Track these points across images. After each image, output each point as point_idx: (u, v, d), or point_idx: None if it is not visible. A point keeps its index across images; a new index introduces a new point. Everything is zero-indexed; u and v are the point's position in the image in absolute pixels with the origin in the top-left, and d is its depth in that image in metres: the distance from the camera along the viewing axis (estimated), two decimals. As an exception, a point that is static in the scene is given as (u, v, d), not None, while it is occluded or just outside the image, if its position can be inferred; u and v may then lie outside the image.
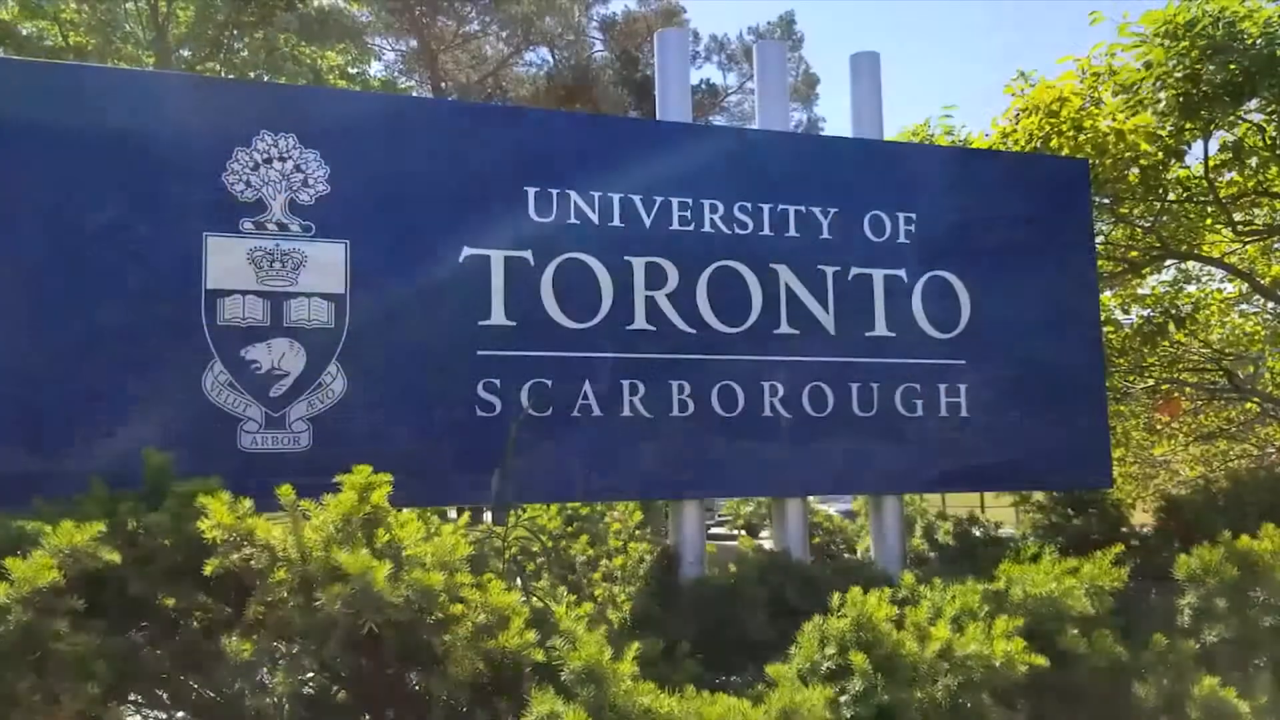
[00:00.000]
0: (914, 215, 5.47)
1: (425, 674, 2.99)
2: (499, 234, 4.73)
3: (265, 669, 3.22)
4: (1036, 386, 5.57)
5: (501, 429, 4.54)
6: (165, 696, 3.37)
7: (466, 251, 4.67)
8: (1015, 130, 6.70)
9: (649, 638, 3.47)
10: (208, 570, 2.96)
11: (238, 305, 4.30)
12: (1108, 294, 7.94)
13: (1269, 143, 6.36)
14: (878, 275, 5.36)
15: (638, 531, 5.39)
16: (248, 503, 3.08)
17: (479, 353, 4.63)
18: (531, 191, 4.82)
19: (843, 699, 3.14)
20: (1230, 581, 3.91)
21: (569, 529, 5.44)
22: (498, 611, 3.01)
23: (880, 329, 5.32)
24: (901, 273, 5.40)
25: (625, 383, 4.84)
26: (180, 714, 3.45)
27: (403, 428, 4.46)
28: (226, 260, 4.30)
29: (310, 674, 3.31)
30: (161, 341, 4.18)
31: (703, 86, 34.07)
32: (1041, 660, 3.24)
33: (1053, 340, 5.65)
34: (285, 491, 3.02)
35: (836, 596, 3.43)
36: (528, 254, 4.76)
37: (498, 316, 4.67)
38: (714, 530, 19.27)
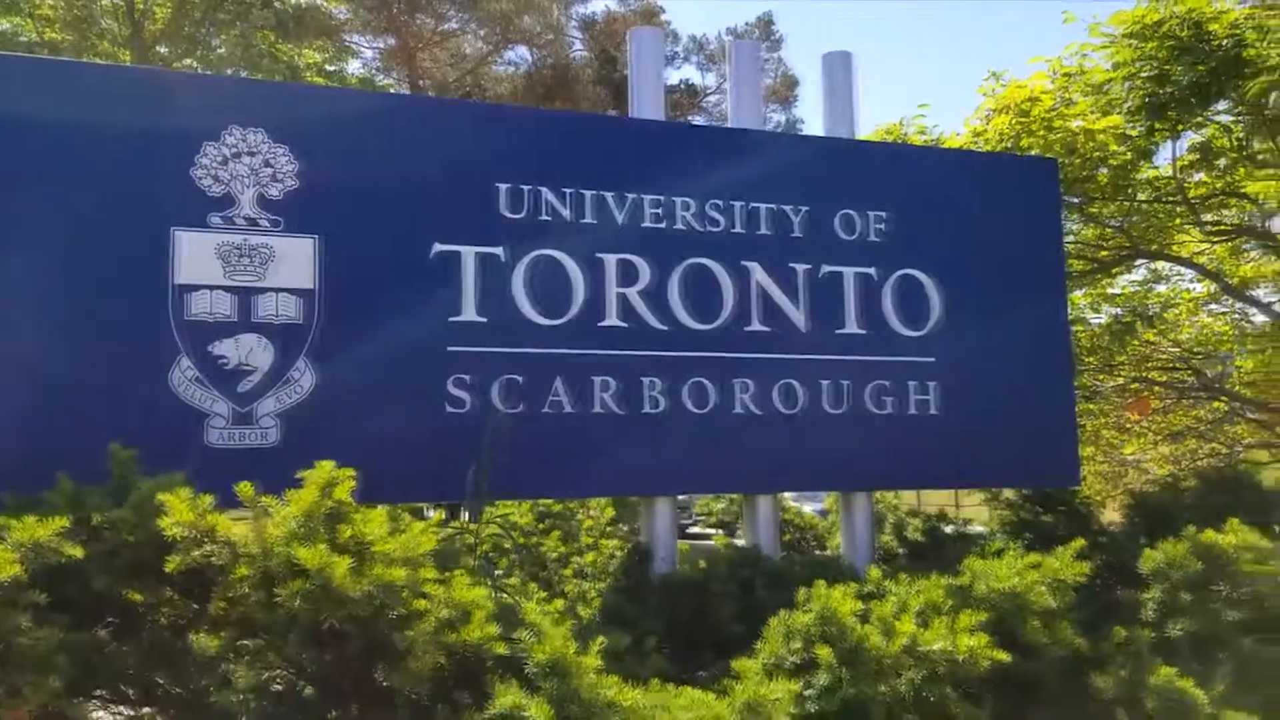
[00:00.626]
0: (885, 214, 5.50)
1: (388, 669, 2.99)
2: (470, 230, 4.73)
3: (232, 665, 3.22)
4: (1005, 385, 5.61)
5: (472, 426, 4.54)
6: (132, 693, 3.36)
7: (437, 247, 4.66)
8: (986, 130, 6.75)
9: (617, 632, 3.48)
10: (169, 567, 2.94)
11: (205, 300, 4.28)
12: (1078, 293, 8.00)
13: (1236, 144, 6.43)
14: (849, 273, 5.39)
15: (609, 528, 5.40)
16: (208, 499, 3.07)
17: (450, 349, 4.62)
18: (503, 188, 4.82)
19: (807, 693, 3.16)
20: (1194, 575, 3.95)
21: (540, 526, 5.44)
22: (461, 606, 3.01)
23: (851, 327, 5.35)
24: (872, 271, 5.43)
25: (597, 380, 4.84)
26: (147, 710, 3.43)
27: (373, 424, 4.44)
28: (194, 255, 4.28)
29: (278, 670, 3.30)
30: (128, 336, 4.15)
31: (682, 87, 34.10)
32: (1004, 655, 3.27)
33: (1022, 339, 5.69)
34: (245, 488, 3.01)
35: (802, 591, 3.45)
36: (499, 250, 4.76)
37: (469, 313, 4.67)
38: (692, 530, 19.31)
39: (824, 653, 3.17)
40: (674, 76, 33.81)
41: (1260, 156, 6.63)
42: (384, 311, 4.54)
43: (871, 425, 5.30)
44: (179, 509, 2.98)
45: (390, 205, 4.63)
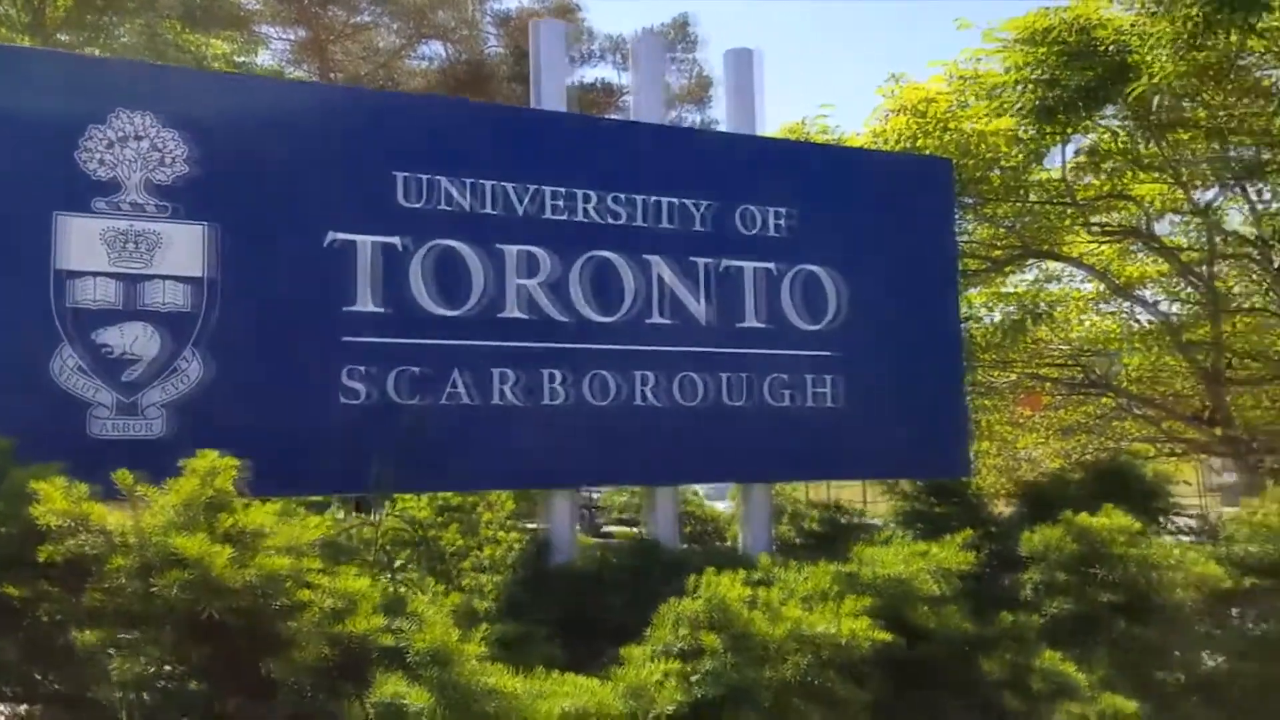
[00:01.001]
0: (785, 210, 5.58)
1: (271, 660, 2.94)
2: (366, 219, 4.67)
3: (112, 658, 3.13)
4: (900, 378, 5.73)
5: (367, 417, 4.50)
6: (11, 690, 3.25)
7: (332, 236, 4.60)
8: (886, 130, 6.89)
9: (513, 623, 3.48)
10: (41, 556, 2.85)
11: (89, 287, 4.16)
12: (974, 292, 8.22)
13: (1122, 148, 6.67)
14: (749, 268, 5.46)
15: (510, 522, 5.38)
16: (84, 488, 2.98)
17: (344, 339, 4.56)
18: (401, 176, 4.77)
19: (694, 678, 3.19)
20: (1070, 557, 4.09)
21: (440, 519, 5.40)
22: (347, 596, 2.98)
23: (752, 320, 5.41)
24: (773, 266, 5.51)
25: (496, 371, 4.82)
26: (29, 708, 3.32)
27: (264, 415, 4.36)
28: (78, 240, 4.15)
29: (161, 664, 3.22)
30: (6, 323, 4.01)
31: (598, 85, 34.06)
32: (886, 636, 3.35)
33: (916, 334, 5.82)
34: (123, 476, 2.94)
35: (692, 579, 3.49)
36: (396, 240, 4.71)
37: (364, 302, 4.61)
38: (608, 529, 19.27)
39: (710, 639, 3.21)
40: (590, 75, 33.70)
41: (1146, 160, 6.90)
42: (276, 300, 4.46)
43: (771, 418, 5.37)
44: (53, 497, 2.89)
45: (284, 193, 4.55)
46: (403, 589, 4.22)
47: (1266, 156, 6.91)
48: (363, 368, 4.55)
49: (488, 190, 4.95)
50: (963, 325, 7.91)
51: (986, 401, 8.71)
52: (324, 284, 4.55)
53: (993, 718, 3.58)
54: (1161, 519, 5.33)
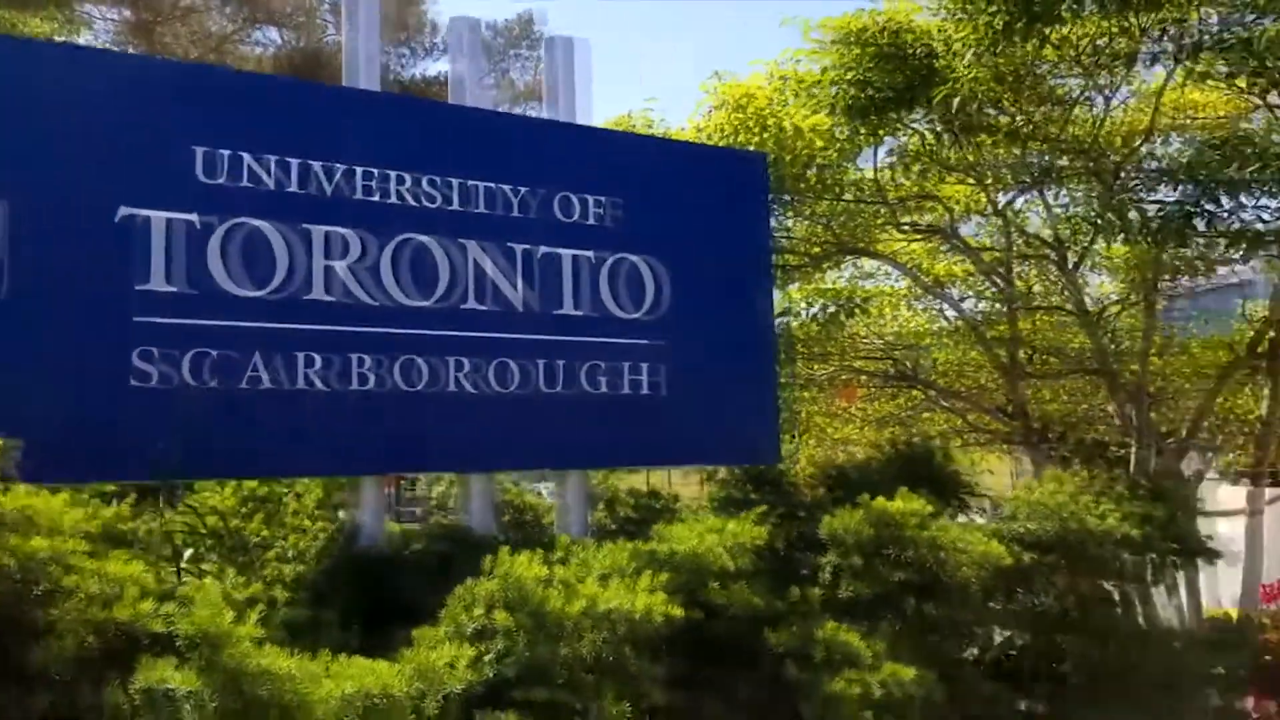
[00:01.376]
0: (604, 198, 5.61)
1: (31, 648, 2.77)
2: (161, 195, 4.45)
3: None
4: (715, 368, 5.83)
5: (160, 401, 4.29)
6: None
7: (124, 211, 4.36)
8: (708, 125, 7.01)
9: (300, 608, 3.38)
10: None
11: None
12: (794, 287, 8.47)
13: (928, 149, 6.98)
14: (567, 255, 5.46)
15: (318, 511, 5.23)
16: None
17: (136, 319, 4.33)
18: (200, 151, 4.56)
19: (486, 658, 3.17)
20: (866, 539, 4.25)
21: (243, 509, 5.20)
22: (115, 582, 2.83)
23: (569, 308, 5.42)
24: (591, 253, 5.53)
25: (301, 355, 4.68)
26: None
27: (51, 397, 4.10)
28: None
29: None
30: None
31: (441, 79, 33.55)
32: (679, 611, 3.40)
33: (731, 324, 5.95)
34: None
35: (488, 559, 3.47)
36: (194, 217, 4.51)
37: (158, 281, 4.39)
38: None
39: (502, 617, 3.20)
40: (433, 69, 33.29)
41: (951, 162, 7.23)
42: (65, 277, 4.21)
43: (588, 405, 5.38)
44: None
45: (75, 166, 4.30)
46: (189, 578, 4.06)
47: (1062, 162, 7.33)
48: (155, 349, 4.33)
49: (294, 168, 4.80)
50: (782, 319, 8.15)
51: (806, 394, 8.99)
52: (115, 261, 4.31)
53: (778, 689, 3.68)
54: (955, 502, 5.59)
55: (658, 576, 3.55)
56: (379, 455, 4.89)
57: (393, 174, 5.02)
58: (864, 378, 9.14)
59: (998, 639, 5.10)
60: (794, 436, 9.07)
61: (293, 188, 4.78)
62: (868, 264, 9.17)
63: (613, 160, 5.78)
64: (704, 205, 5.98)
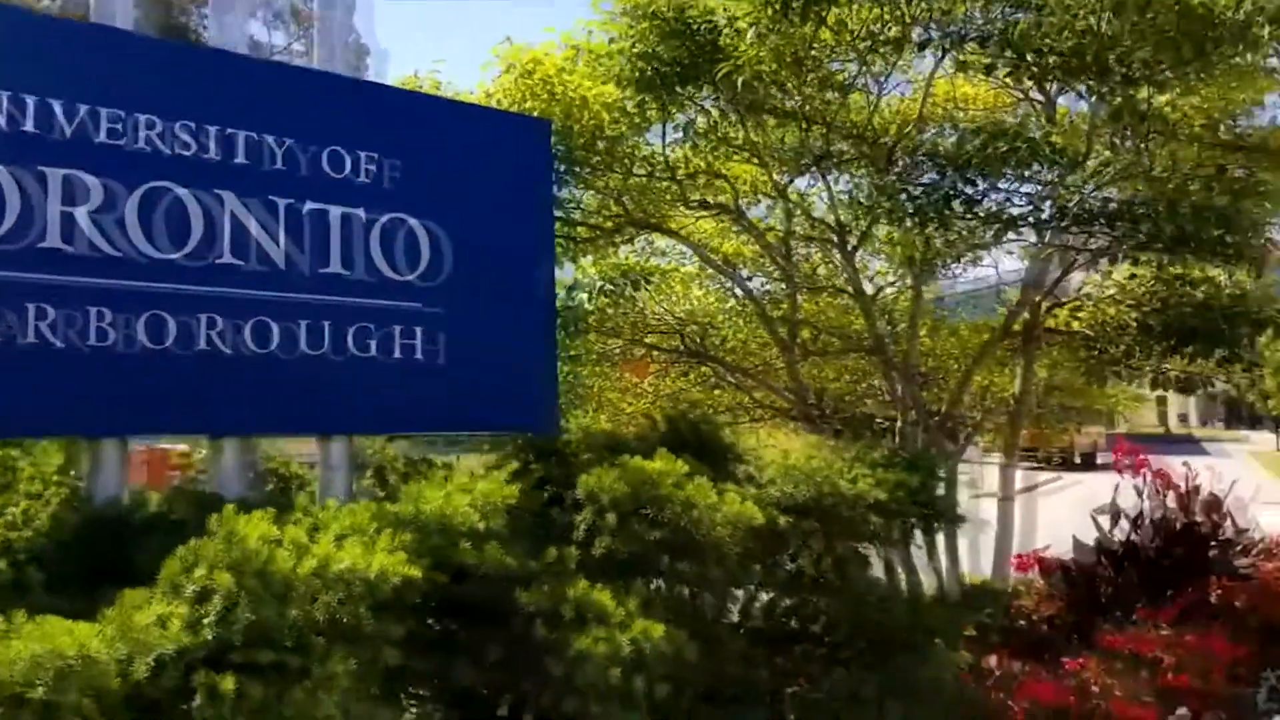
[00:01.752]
0: (378, 156, 5.42)
1: None
2: None
3: None
4: (493, 335, 5.74)
5: None
6: None
7: None
8: (497, 90, 6.91)
9: (20, 574, 3.13)
10: None
11: None
12: (587, 261, 8.48)
13: (714, 127, 7.09)
14: (335, 212, 5.25)
15: (56, 476, 4.87)
16: None
17: None
18: (-85, 82, 4.16)
19: (206, 620, 3.01)
20: (622, 497, 4.28)
21: (-34, 474, 4.79)
22: None
23: (336, 266, 5.22)
24: (362, 212, 5.34)
25: (33, 306, 4.33)
26: None
27: None
28: None
29: None
30: None
31: (249, 42, 32.06)
32: (416, 571, 3.33)
33: (510, 292, 5.86)
34: None
35: (213, 518, 3.30)
36: (-94, 153, 4.10)
37: None
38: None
39: (224, 578, 3.04)
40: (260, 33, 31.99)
41: (735, 141, 7.38)
42: None
43: (355, 369, 5.20)
44: None
45: None
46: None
47: (842, 147, 7.60)
48: None
49: (30, 106, 4.43)
50: (574, 292, 8.15)
51: (598, 369, 9.03)
52: None
53: (529, 649, 3.67)
54: (721, 468, 5.71)
55: (400, 536, 3.46)
56: (120, 416, 4.59)
57: (143, 118, 4.70)
58: (655, 353, 9.26)
59: (759, 601, 5.25)
60: (586, 411, 9.10)
61: (28, 127, 4.42)
62: (662, 241, 9.27)
63: (390, 118, 5.59)
64: (486, 170, 5.87)
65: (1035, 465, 40.10)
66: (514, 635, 3.74)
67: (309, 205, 5.17)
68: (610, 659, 3.57)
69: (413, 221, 5.50)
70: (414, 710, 3.87)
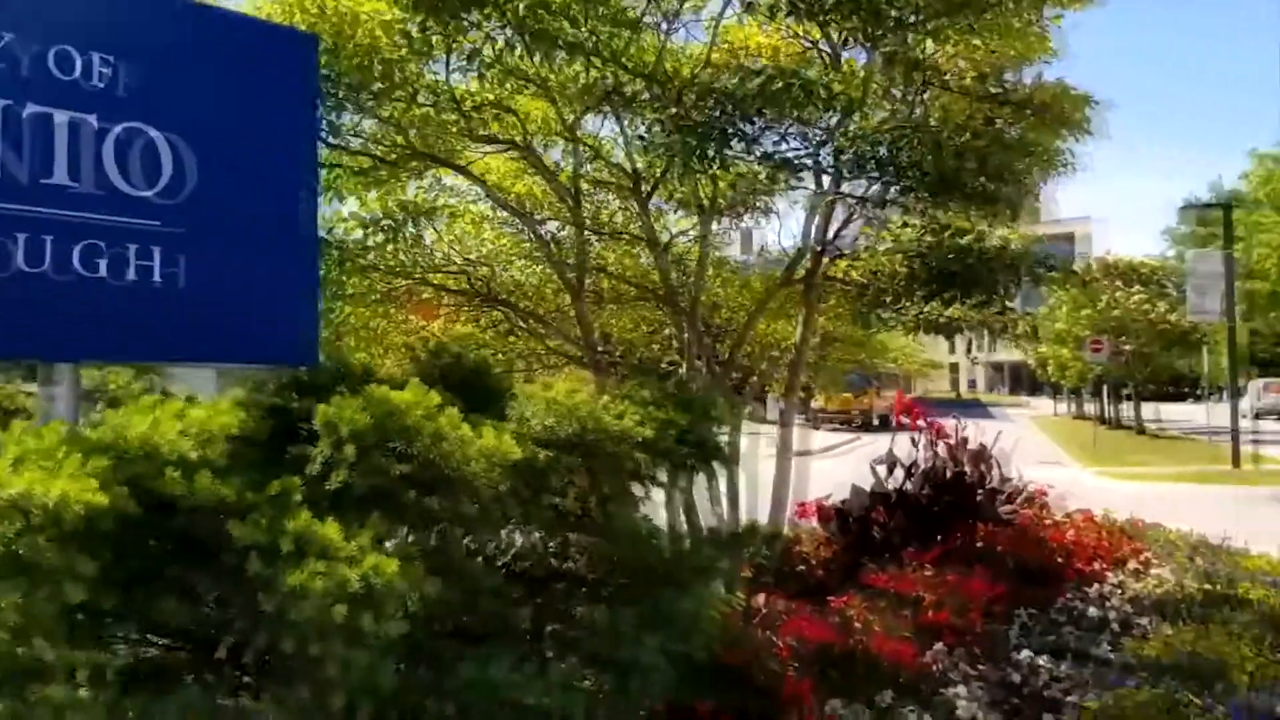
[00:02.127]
0: (113, 58, 4.93)
1: None
2: None
3: None
4: (246, 261, 5.35)
5: None
6: None
7: None
8: (265, 3, 6.45)
9: None
10: None
11: None
12: (371, 196, 8.10)
13: (499, 56, 6.83)
14: (61, 117, 4.75)
15: None
16: None
17: None
18: None
19: None
20: (364, 428, 4.05)
21: None
22: None
23: (61, 177, 4.74)
24: (92, 119, 4.85)
25: None
26: None
27: None
28: None
29: None
30: None
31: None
32: (103, 499, 3.01)
33: (268, 216, 5.47)
34: None
35: None
36: None
37: None
38: None
39: None
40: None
41: (522, 73, 7.14)
42: None
43: (79, 290, 4.74)
44: None
45: None
46: None
47: (635, 88, 7.46)
48: None
49: None
50: (346, 225, 7.77)
51: (382, 309, 8.69)
52: None
53: (240, 585, 3.41)
54: (493, 407, 5.53)
55: (93, 462, 3.13)
56: None
57: None
58: (445, 296, 8.97)
59: (520, 539, 5.12)
60: (371, 355, 8.76)
61: None
62: (454, 179, 8.96)
63: (129, 19, 5.11)
64: (242, 84, 5.45)
65: (839, 426, 42.21)
66: (227, 571, 3.47)
67: (31, 108, 4.66)
68: (331, 594, 3.35)
69: (153, 133, 5.04)
70: (121, 652, 3.55)
